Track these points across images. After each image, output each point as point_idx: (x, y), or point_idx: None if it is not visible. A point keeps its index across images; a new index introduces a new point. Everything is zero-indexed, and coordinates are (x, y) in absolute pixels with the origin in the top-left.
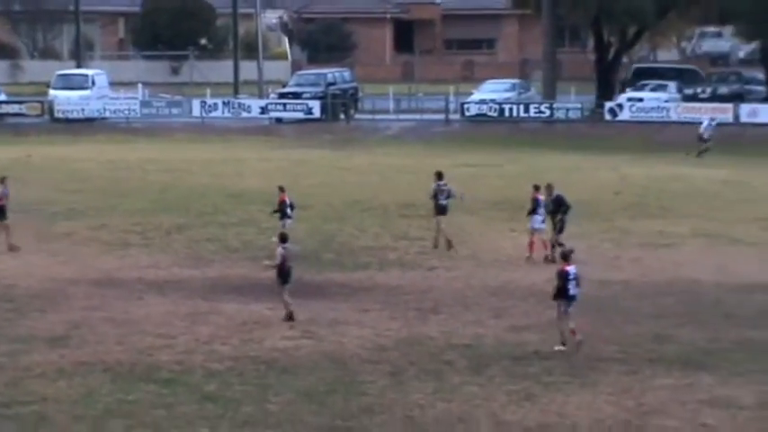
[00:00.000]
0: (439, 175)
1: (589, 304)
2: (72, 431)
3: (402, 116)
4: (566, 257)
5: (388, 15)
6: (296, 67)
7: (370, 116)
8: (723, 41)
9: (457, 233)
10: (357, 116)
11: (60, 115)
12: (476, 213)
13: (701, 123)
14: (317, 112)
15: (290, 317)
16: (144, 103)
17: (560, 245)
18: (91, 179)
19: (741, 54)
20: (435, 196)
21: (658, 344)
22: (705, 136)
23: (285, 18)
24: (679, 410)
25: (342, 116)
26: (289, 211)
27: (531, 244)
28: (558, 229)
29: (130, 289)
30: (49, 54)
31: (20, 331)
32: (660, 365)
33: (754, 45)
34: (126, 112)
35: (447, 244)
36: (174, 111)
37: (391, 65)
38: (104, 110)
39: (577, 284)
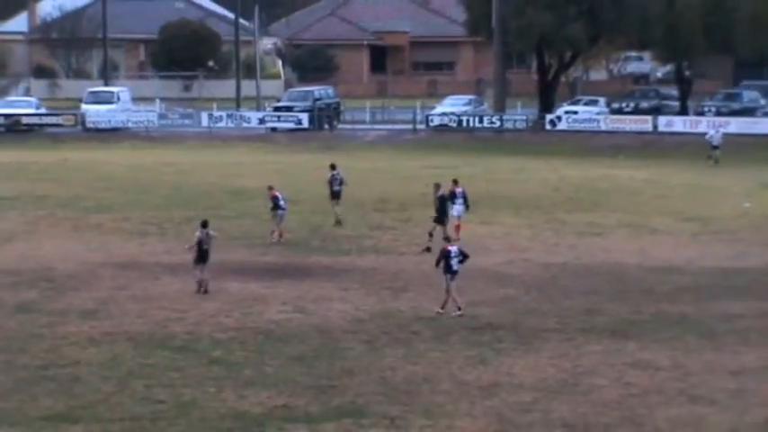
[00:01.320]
0: (332, 167)
1: (533, 283)
2: (100, 389)
3: (377, 126)
4: (447, 239)
5: (365, 42)
6: (288, 85)
7: (350, 126)
8: (644, 64)
9: (424, 224)
10: (339, 126)
11: (91, 125)
12: None
13: (707, 133)
14: (305, 123)
15: (205, 290)
16: (161, 116)
17: (446, 237)
18: (116, 179)
19: (659, 74)
20: (330, 183)
21: (590, 316)
22: (714, 143)
23: (279, 44)
24: (608, 371)
25: (326, 126)
26: (282, 203)
27: (456, 228)
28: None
29: (149, 271)
30: (81, 74)
31: (57, 306)
32: (592, 334)
33: (669, 67)
34: (145, 122)
35: (336, 222)
36: (186, 122)
37: (368, 83)
38: (128, 121)
39: (460, 261)
